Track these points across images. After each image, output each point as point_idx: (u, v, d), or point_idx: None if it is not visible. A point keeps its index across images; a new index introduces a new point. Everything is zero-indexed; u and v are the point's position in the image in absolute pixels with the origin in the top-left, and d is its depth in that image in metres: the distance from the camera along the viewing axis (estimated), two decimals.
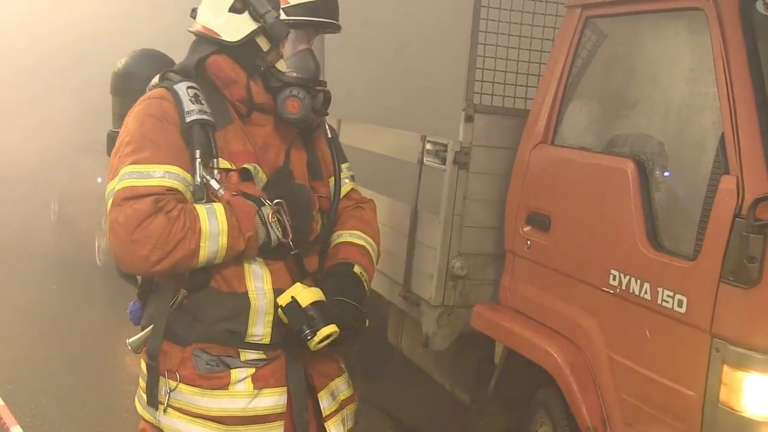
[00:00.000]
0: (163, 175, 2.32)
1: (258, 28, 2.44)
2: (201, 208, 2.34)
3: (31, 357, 6.49)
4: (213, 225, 2.32)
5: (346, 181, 2.79)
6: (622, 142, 3.49)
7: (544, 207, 3.82)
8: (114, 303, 7.88)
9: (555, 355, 3.51)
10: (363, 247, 2.72)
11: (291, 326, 2.39)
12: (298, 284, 2.44)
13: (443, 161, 4.34)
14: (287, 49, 2.51)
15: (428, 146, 4.50)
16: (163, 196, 2.29)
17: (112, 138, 2.75)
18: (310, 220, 2.58)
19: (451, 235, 4.29)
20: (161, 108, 2.41)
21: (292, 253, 2.47)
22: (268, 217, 2.40)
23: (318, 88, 2.54)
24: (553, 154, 3.87)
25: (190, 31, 2.54)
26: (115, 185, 2.32)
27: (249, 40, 2.45)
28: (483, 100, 4.34)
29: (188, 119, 2.39)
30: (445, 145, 4.32)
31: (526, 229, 3.93)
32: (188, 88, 2.44)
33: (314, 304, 2.41)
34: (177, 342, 2.48)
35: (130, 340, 2.63)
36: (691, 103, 3.16)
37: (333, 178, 2.71)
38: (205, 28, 2.50)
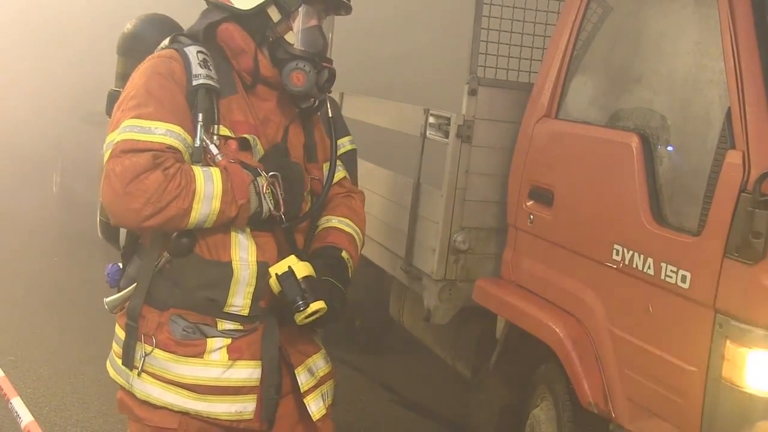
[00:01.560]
0: (164, 132, 2.32)
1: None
2: (198, 170, 2.34)
3: (32, 328, 6.50)
4: (208, 187, 2.32)
5: (339, 168, 2.80)
6: (626, 116, 3.45)
7: (547, 181, 3.80)
8: None
9: (557, 329, 3.50)
10: (351, 235, 2.72)
11: (285, 295, 2.39)
12: (293, 256, 2.44)
13: (446, 135, 4.31)
14: (297, 23, 2.49)
15: (431, 119, 4.47)
16: (163, 153, 2.29)
17: (112, 97, 2.75)
18: (302, 197, 2.57)
19: (453, 209, 4.27)
20: (169, 67, 2.41)
21: (284, 225, 2.47)
22: (262, 187, 2.40)
23: (324, 64, 2.51)
24: (556, 128, 3.84)
25: None
26: (116, 137, 2.31)
27: (260, 9, 2.44)
28: (487, 74, 4.29)
29: (195, 82, 2.39)
30: (448, 119, 4.29)
31: (529, 203, 3.90)
32: (198, 52, 2.44)
33: (307, 278, 2.40)
34: (155, 306, 2.49)
35: (108, 299, 2.64)
36: (697, 77, 3.12)
37: (328, 163, 2.70)
38: None
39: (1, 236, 9.16)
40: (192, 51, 2.43)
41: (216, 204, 2.33)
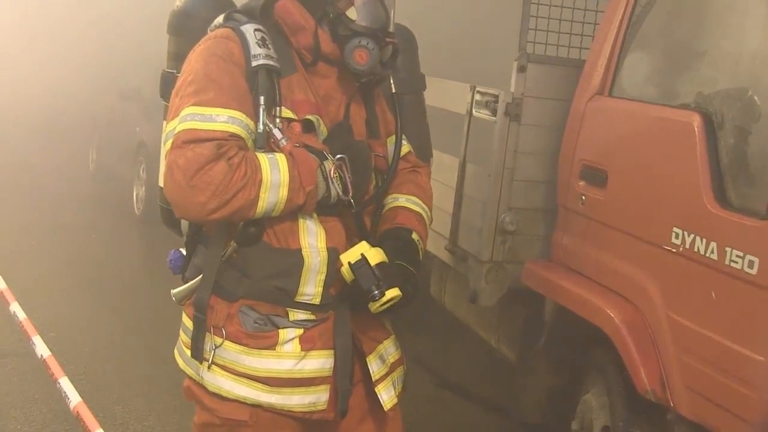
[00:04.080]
0: (226, 119, 2.22)
1: None
2: (263, 158, 2.24)
3: (71, 304, 6.51)
4: (275, 175, 2.22)
5: (404, 142, 2.65)
6: (687, 94, 3.33)
7: (601, 161, 3.69)
8: (152, 253, 7.91)
9: (612, 314, 3.40)
10: (420, 214, 2.61)
11: (359, 284, 2.29)
12: (365, 242, 2.35)
13: (493, 112, 4.20)
14: None
15: (477, 97, 4.36)
16: (226, 141, 2.19)
17: (166, 79, 2.65)
18: (370, 178, 2.47)
19: (501, 189, 4.17)
20: (227, 48, 2.30)
21: (353, 210, 2.37)
22: (330, 172, 2.29)
23: (387, 39, 2.39)
24: (611, 106, 3.72)
25: None
26: (176, 126, 2.23)
27: None
28: (536, 50, 4.18)
29: (254, 63, 2.28)
30: (496, 96, 4.17)
31: (581, 183, 3.80)
32: (255, 30, 2.33)
33: (380, 264, 2.31)
34: (223, 297, 2.40)
35: (175, 291, 2.56)
36: (765, 52, 2.99)
37: (393, 137, 2.59)
38: None
39: (39, 213, 9.20)
40: (249, 29, 2.32)
41: (283, 192, 2.24)
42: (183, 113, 2.23)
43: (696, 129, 3.13)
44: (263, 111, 2.27)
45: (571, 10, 4.20)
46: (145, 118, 9.22)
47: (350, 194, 2.34)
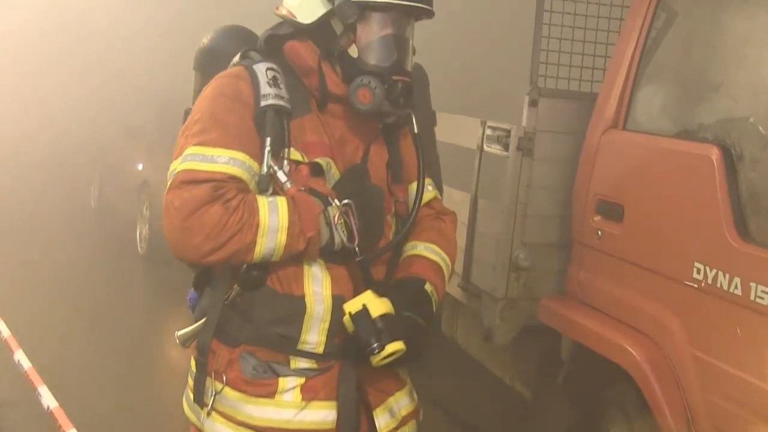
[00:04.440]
0: (227, 161, 2.17)
1: (330, 9, 2.27)
2: (263, 201, 2.19)
3: (75, 347, 6.42)
4: (273, 220, 2.16)
5: (429, 188, 2.58)
6: (704, 126, 3.28)
7: (617, 195, 3.63)
8: (157, 293, 7.83)
9: (633, 352, 3.32)
10: (437, 264, 2.49)
11: (358, 336, 2.20)
12: (369, 292, 2.25)
13: (505, 147, 4.16)
14: (367, 33, 2.28)
15: (488, 132, 4.33)
16: (224, 183, 2.15)
17: (186, 115, 2.62)
18: (381, 225, 2.39)
19: (514, 224, 4.12)
20: (236, 88, 2.26)
21: (358, 259, 2.28)
22: (333, 218, 2.22)
23: (395, 77, 2.29)
24: (625, 140, 3.67)
25: (277, 14, 2.39)
26: (177, 166, 2.19)
27: (323, 22, 2.28)
28: (547, 83, 4.14)
29: (263, 103, 2.23)
30: (508, 131, 4.13)
31: (597, 218, 3.74)
32: (268, 69, 2.29)
33: (384, 316, 2.20)
34: (226, 342, 2.34)
35: (179, 333, 2.50)
36: None
37: (416, 183, 2.49)
38: (286, 9, 2.35)
39: (39, 250, 9.12)
40: (261, 68, 2.28)
41: (282, 237, 2.17)
42: (185, 153, 2.19)
43: (715, 162, 3.08)
44: (269, 153, 2.21)
45: (581, 43, 4.16)
46: (149, 156, 9.19)
47: (356, 242, 2.25)
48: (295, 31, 2.33)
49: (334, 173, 2.31)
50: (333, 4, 2.25)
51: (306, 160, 2.27)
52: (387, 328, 2.19)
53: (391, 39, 2.31)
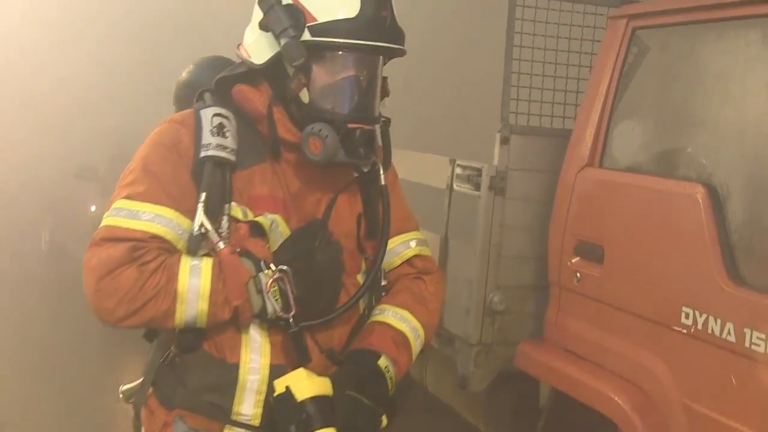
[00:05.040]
0: (152, 218, 1.99)
1: (278, 50, 2.06)
2: (185, 264, 1.98)
3: (23, 396, 6.13)
4: (193, 286, 1.97)
5: (412, 243, 2.37)
6: (687, 164, 3.16)
7: (596, 236, 3.49)
8: (111, 343, 7.51)
9: (619, 401, 3.17)
10: (402, 335, 2.22)
11: (277, 422, 1.99)
12: (301, 370, 2.02)
13: (476, 187, 4.01)
14: (322, 74, 2.05)
15: (458, 170, 4.17)
16: (144, 243, 1.96)
17: None
18: (333, 290, 2.12)
19: (488, 266, 3.96)
20: (176, 136, 2.07)
21: (291, 331, 2.04)
22: (266, 285, 2.01)
23: (351, 125, 2.05)
24: (603, 178, 3.55)
25: (237, 54, 2.20)
26: (103, 220, 2.03)
27: (275, 63, 2.06)
28: (519, 120, 4.01)
29: (202, 154, 2.03)
30: (479, 170, 3.98)
31: (575, 260, 3.60)
32: (215, 115, 2.08)
33: (315, 398, 1.97)
34: (163, 403, 2.16)
35: (123, 388, 2.35)
36: None
37: (398, 237, 2.30)
38: (243, 47, 2.16)
39: None
40: (208, 114, 2.08)
41: (203, 305, 1.98)
42: (113, 206, 2.02)
43: (701, 201, 2.96)
44: (201, 209, 2.02)
45: (553, 79, 4.05)
46: (102, 198, 8.91)
47: (292, 312, 2.03)
48: (249, 72, 2.13)
49: (282, 231, 2.10)
50: (280, 44, 2.03)
51: (247, 218, 2.07)
52: (317, 412, 1.96)
53: (348, 81, 2.08)
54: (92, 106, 11.86)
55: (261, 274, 2.02)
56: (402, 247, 2.33)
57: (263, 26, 2.06)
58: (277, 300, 2.01)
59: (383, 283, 2.32)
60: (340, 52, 2.05)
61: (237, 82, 2.13)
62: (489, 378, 4.06)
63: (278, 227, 2.09)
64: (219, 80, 2.16)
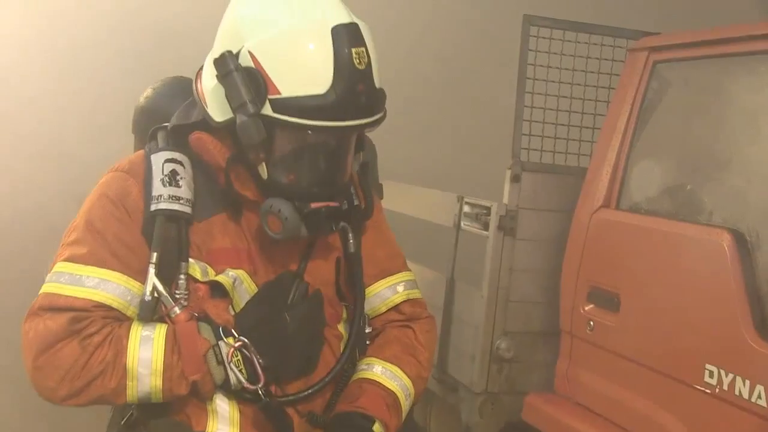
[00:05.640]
0: (96, 284, 1.74)
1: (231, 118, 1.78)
2: (135, 335, 1.74)
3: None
4: (144, 361, 1.73)
5: (399, 288, 2.12)
6: (711, 208, 2.94)
7: (611, 283, 3.26)
8: None
9: None
10: (394, 395, 1.99)
11: None
12: None
13: (485, 226, 3.78)
14: (284, 151, 1.80)
15: (466, 208, 3.95)
16: (87, 314, 1.72)
17: None
18: (307, 351, 1.89)
19: (495, 311, 3.72)
20: (123, 188, 1.82)
21: (260, 404, 1.80)
22: (227, 355, 1.76)
23: (314, 206, 1.80)
24: (620, 220, 3.32)
25: (194, 89, 1.92)
26: (43, 286, 1.78)
27: (232, 124, 1.77)
28: (530, 157, 3.79)
29: (153, 207, 1.79)
30: (488, 208, 3.76)
31: (588, 307, 3.36)
32: (167, 161, 1.83)
33: None
34: None
35: None
36: None
37: (382, 281, 2.08)
38: (200, 85, 1.89)
39: None
40: (159, 160, 1.83)
41: (156, 382, 1.74)
42: (54, 269, 1.77)
43: (727, 248, 2.73)
44: (153, 271, 1.77)
45: (567, 114, 3.82)
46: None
47: (261, 383, 1.78)
48: (204, 122, 1.85)
49: (248, 287, 1.86)
50: (232, 110, 1.75)
51: (207, 276, 1.83)
52: None
53: (312, 159, 1.83)
54: (96, 130, 11.60)
55: (221, 343, 1.77)
56: (388, 291, 2.10)
57: (219, 81, 1.78)
58: (241, 370, 1.77)
59: (367, 330, 2.08)
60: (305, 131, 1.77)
61: (195, 130, 1.88)
62: (494, 429, 3.82)
63: (242, 284, 1.85)
64: (174, 128, 1.91)
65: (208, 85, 1.83)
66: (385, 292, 2.09)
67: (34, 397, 1.83)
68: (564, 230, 3.60)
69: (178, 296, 1.78)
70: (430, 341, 2.16)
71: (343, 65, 1.70)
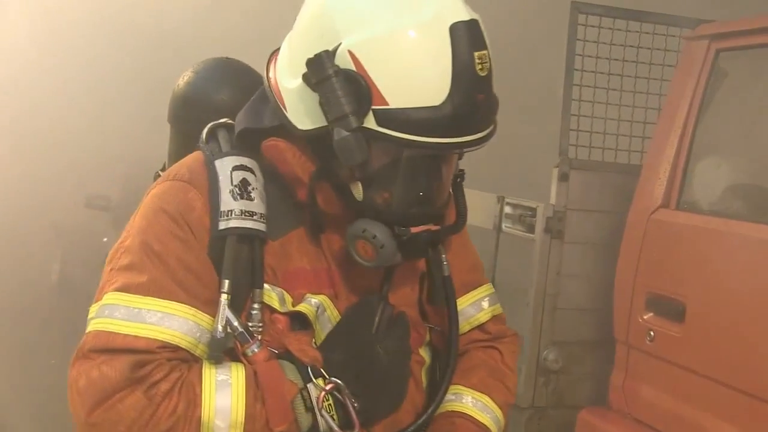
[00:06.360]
0: (159, 319, 1.45)
1: (324, 127, 1.47)
2: (209, 381, 1.46)
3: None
4: (221, 412, 1.45)
5: (485, 303, 1.86)
6: None
7: (673, 289, 3.02)
8: None
9: None
10: (487, 429, 1.75)
11: None
12: None
13: (529, 229, 3.55)
14: (386, 171, 1.50)
15: (507, 209, 3.71)
16: (152, 357, 1.44)
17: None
18: (397, 388, 1.61)
19: (542, 319, 3.51)
20: (185, 202, 1.52)
21: None
22: (317, 400, 1.49)
23: (417, 230, 1.51)
24: (682, 222, 3.07)
25: (266, 83, 1.60)
26: (90, 323, 1.47)
27: (323, 133, 1.47)
28: (579, 154, 3.55)
29: (222, 225, 1.49)
30: (533, 209, 3.53)
31: (647, 316, 3.13)
32: (235, 168, 1.55)
33: None
34: None
35: None
36: None
37: (468, 296, 1.81)
38: (276, 84, 1.58)
39: None
40: (226, 167, 1.54)
41: None
42: (104, 302, 1.47)
43: None
44: (225, 303, 1.48)
45: (617, 108, 3.58)
46: (114, 229, 8.50)
47: (356, 429, 1.51)
48: (282, 127, 1.55)
49: (330, 315, 1.59)
50: (328, 122, 1.44)
51: (286, 306, 1.55)
52: None
53: (417, 180, 1.52)
54: (103, 129, 11.41)
55: (310, 386, 1.49)
56: (473, 309, 1.84)
57: (308, 81, 1.46)
58: (332, 415, 1.49)
59: None
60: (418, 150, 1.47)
61: (268, 136, 1.58)
62: None
63: (325, 312, 1.58)
64: (243, 132, 1.60)
65: (289, 84, 1.53)
66: (469, 310, 1.83)
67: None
68: (616, 232, 3.38)
69: (251, 329, 1.50)
70: (515, 364, 1.92)
71: (463, 72, 1.41)
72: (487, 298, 1.86)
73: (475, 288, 1.85)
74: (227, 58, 1.97)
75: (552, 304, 3.51)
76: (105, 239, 8.72)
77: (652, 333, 3.09)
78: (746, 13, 3.30)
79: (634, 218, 3.26)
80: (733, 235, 2.83)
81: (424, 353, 1.75)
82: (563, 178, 3.46)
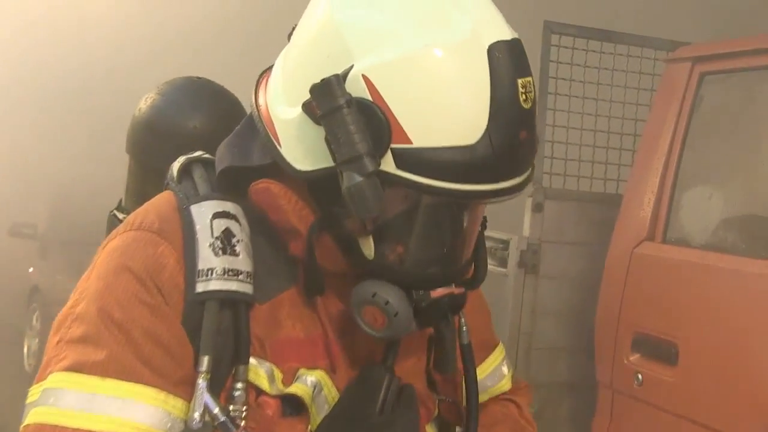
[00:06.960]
0: (119, 408, 1.14)
1: (331, 167, 1.16)
2: None
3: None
4: None
5: (504, 370, 1.59)
6: None
7: (664, 329, 2.82)
8: None
9: None
10: None
11: None
12: None
13: (501, 263, 3.35)
14: (404, 223, 1.20)
15: None
16: None
17: (111, 224, 1.58)
18: None
19: (516, 359, 3.29)
20: (153, 258, 1.20)
21: None
22: None
23: (437, 294, 1.21)
24: (670, 256, 2.88)
25: (252, 109, 1.29)
26: (29, 409, 1.14)
27: (327, 175, 1.18)
28: (553, 183, 3.35)
29: (200, 288, 1.19)
30: (506, 242, 3.32)
31: (634, 357, 2.92)
32: (216, 216, 1.23)
33: None
34: None
35: None
36: None
37: (483, 363, 1.55)
38: (267, 112, 1.26)
39: None
40: (204, 215, 1.23)
41: None
42: (48, 384, 1.14)
43: None
44: (203, 384, 1.17)
45: (592, 133, 3.39)
46: (40, 259, 8.09)
47: None
48: (274, 165, 1.25)
49: (328, 395, 1.28)
50: (336, 163, 1.13)
51: (276, 387, 1.24)
52: None
53: (442, 234, 1.24)
54: (28, 152, 10.87)
55: None
56: (493, 379, 1.57)
57: (311, 113, 1.17)
58: None
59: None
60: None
61: (258, 176, 1.27)
62: None
63: (322, 390, 1.28)
64: (227, 171, 1.28)
65: (284, 114, 1.22)
66: (489, 380, 1.55)
67: None
68: (594, 266, 3.19)
69: (233, 413, 1.20)
70: (529, 406, 1.67)
71: (503, 104, 1.11)
72: (504, 362, 1.59)
73: (492, 349, 1.58)
74: (198, 77, 1.66)
75: (527, 344, 3.31)
76: (30, 269, 8.30)
77: (640, 376, 2.88)
78: (720, 36, 3.16)
79: (615, 252, 3.06)
80: (731, 270, 2.64)
81: (431, 430, 1.48)
82: (537, 208, 3.26)
